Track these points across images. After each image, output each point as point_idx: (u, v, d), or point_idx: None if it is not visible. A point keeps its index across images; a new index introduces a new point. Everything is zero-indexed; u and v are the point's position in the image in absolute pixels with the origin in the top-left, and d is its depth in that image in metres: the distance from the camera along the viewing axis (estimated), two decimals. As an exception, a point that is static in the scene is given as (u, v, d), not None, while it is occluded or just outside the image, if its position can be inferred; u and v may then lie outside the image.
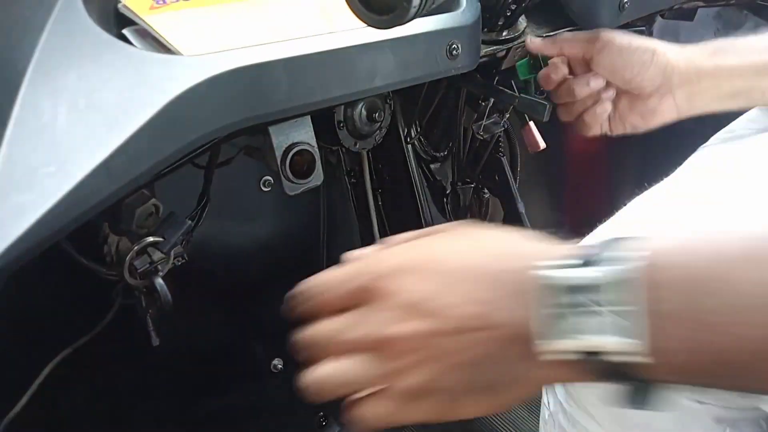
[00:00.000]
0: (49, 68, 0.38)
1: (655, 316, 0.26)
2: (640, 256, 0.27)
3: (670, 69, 0.63)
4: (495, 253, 0.32)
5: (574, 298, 0.27)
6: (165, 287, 0.47)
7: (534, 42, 0.68)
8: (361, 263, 0.35)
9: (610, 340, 0.27)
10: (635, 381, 0.28)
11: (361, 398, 0.34)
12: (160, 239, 0.46)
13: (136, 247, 0.48)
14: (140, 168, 0.38)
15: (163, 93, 0.40)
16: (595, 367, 0.28)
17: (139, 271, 0.49)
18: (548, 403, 0.56)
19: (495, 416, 0.90)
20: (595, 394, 0.48)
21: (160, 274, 0.47)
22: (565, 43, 0.67)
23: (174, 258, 0.52)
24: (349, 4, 0.31)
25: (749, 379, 0.26)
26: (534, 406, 0.90)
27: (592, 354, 0.27)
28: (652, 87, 0.63)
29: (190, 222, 0.50)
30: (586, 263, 0.28)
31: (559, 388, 0.52)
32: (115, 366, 0.45)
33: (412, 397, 0.32)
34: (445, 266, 0.32)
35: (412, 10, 0.30)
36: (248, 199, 0.82)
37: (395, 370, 0.32)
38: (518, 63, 0.70)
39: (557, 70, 0.67)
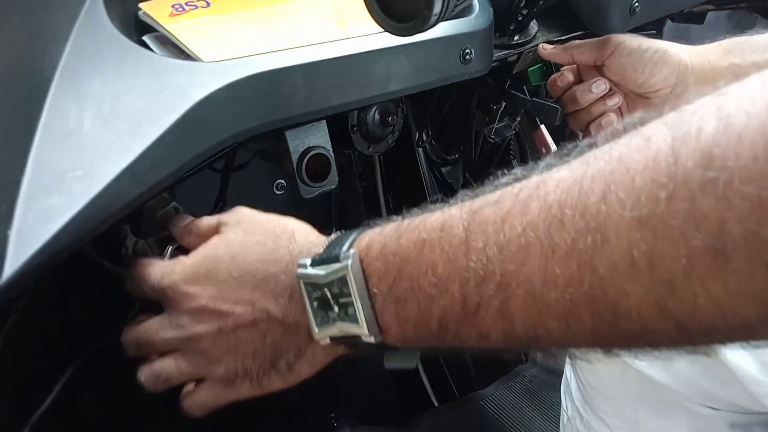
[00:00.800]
0: (75, 75, 0.39)
1: (368, 305, 0.32)
2: (352, 253, 0.33)
3: (684, 68, 0.63)
4: (263, 258, 0.38)
5: (319, 293, 0.34)
6: None
7: (546, 49, 0.68)
8: (166, 269, 0.41)
9: (347, 327, 0.33)
10: (387, 349, 0.34)
11: (188, 390, 0.41)
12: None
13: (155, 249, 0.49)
14: (164, 171, 0.39)
15: (184, 98, 0.41)
16: (352, 344, 0.34)
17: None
18: (567, 408, 0.57)
19: (508, 419, 0.90)
20: (610, 403, 0.49)
21: None
22: (576, 50, 0.68)
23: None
24: (370, 12, 0.32)
25: (461, 340, 0.30)
26: (546, 409, 0.90)
27: (346, 337, 0.34)
28: (667, 87, 0.63)
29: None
30: (318, 262, 0.34)
31: (576, 395, 0.52)
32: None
33: (225, 383, 0.39)
34: (225, 273, 0.38)
35: (433, 18, 0.31)
36: (262, 202, 0.82)
37: (203, 363, 0.39)
38: (530, 69, 0.71)
39: (563, 78, 0.67)
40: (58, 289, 0.44)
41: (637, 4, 0.76)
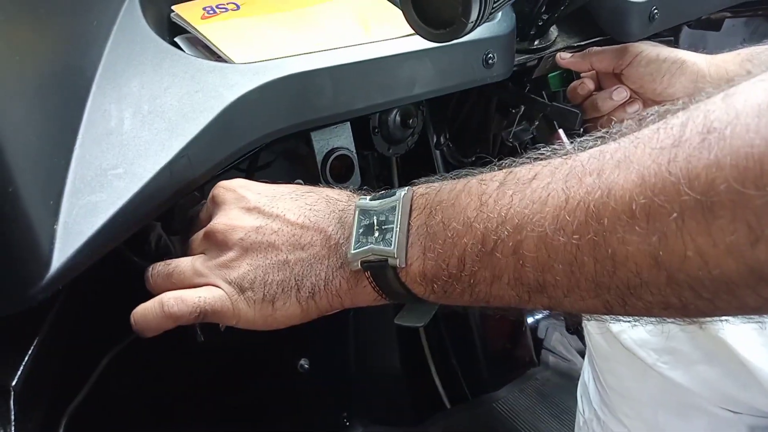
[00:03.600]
0: (115, 75, 0.40)
1: (404, 231, 0.35)
2: (407, 189, 0.36)
3: (702, 78, 0.64)
4: (324, 195, 0.41)
5: (368, 220, 0.36)
6: None
7: (565, 57, 0.69)
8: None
9: (379, 248, 0.35)
10: (404, 293, 0.36)
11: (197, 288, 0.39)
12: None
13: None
14: (199, 170, 0.40)
15: (219, 99, 0.42)
16: (376, 270, 0.36)
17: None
18: (583, 410, 0.57)
19: (520, 421, 0.91)
20: (630, 405, 0.49)
21: None
22: (595, 57, 0.68)
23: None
24: (407, 19, 0.33)
25: (475, 284, 0.33)
26: (559, 412, 0.91)
27: (374, 262, 0.35)
28: (685, 96, 0.64)
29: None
30: (376, 198, 0.37)
31: (594, 397, 0.53)
32: (160, 361, 0.47)
33: (234, 289, 0.38)
34: (287, 191, 0.41)
35: (470, 25, 0.32)
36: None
37: (222, 263, 0.38)
38: (550, 75, 0.71)
39: (583, 86, 0.68)
40: (88, 282, 0.45)
41: (656, 10, 0.77)
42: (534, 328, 1.11)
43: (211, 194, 0.42)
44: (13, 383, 0.36)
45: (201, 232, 0.41)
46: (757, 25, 1.10)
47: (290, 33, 0.52)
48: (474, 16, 0.32)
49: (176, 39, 0.52)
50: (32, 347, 0.37)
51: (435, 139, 0.85)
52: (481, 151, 0.88)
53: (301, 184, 0.83)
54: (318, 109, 0.49)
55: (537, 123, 0.81)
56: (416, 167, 0.91)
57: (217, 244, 0.39)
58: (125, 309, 0.42)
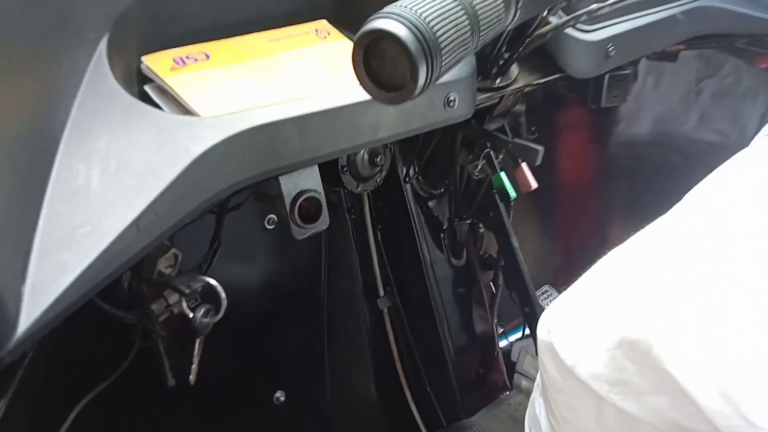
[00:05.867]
0: (83, 133, 0.41)
1: None
2: None
3: None
4: None
5: None
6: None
7: None
8: None
9: None
10: None
11: None
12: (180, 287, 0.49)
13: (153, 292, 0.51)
14: (167, 224, 0.41)
15: (186, 153, 0.43)
16: None
17: (156, 314, 0.52)
18: None
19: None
20: None
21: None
22: None
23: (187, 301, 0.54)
24: (360, 81, 0.35)
25: None
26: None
27: None
28: None
29: (206, 279, 0.53)
30: None
31: (546, 430, 0.54)
32: (132, 408, 0.47)
33: None
34: None
35: (418, 89, 0.34)
36: (253, 237, 0.85)
37: None
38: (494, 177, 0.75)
39: None
40: (57, 332, 0.46)
41: (611, 48, 0.80)
42: (507, 352, 1.13)
43: None
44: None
45: None
46: (711, 55, 1.15)
47: (258, 83, 0.53)
48: (422, 81, 0.34)
49: (145, 87, 0.53)
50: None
51: (404, 173, 0.87)
52: (449, 184, 0.90)
53: (273, 219, 0.84)
54: (284, 158, 0.50)
55: (501, 156, 0.84)
56: (387, 200, 0.93)
57: None
58: (96, 356, 0.42)
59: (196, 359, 0.54)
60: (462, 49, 0.37)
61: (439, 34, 0.34)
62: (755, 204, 0.52)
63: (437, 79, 0.36)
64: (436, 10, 0.34)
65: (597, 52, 0.79)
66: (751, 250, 0.46)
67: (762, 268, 0.44)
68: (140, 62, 0.53)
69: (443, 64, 0.35)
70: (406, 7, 0.33)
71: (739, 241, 0.48)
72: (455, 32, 0.35)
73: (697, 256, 0.47)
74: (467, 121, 0.72)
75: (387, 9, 0.34)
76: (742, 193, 0.55)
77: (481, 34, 0.38)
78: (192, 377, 0.52)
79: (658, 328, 0.42)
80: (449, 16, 0.35)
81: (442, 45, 0.34)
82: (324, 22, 0.62)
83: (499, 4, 0.40)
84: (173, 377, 0.53)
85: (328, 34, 0.61)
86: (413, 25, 0.33)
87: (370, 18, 0.34)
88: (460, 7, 0.36)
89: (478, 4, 0.37)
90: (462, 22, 0.36)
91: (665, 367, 0.41)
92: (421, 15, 0.33)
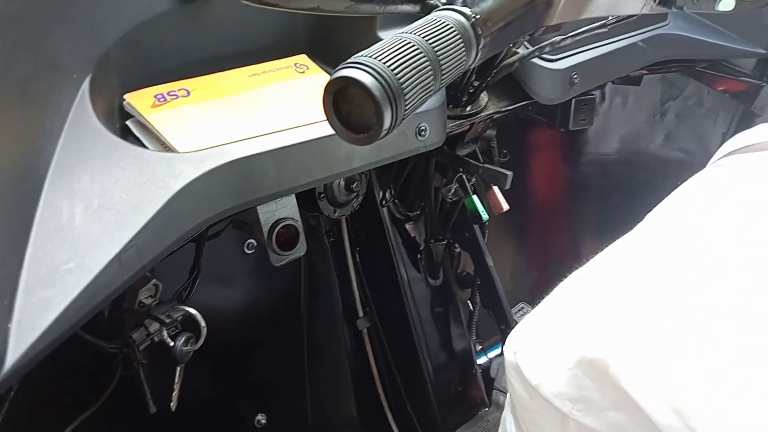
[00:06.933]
0: (66, 171, 0.43)
1: None
2: None
3: None
4: None
5: None
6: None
7: None
8: None
9: None
10: None
11: None
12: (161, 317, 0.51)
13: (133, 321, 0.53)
14: (148, 257, 0.43)
15: (166, 189, 0.45)
16: None
17: (137, 343, 0.53)
18: None
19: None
20: None
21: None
22: None
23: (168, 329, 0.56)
24: (330, 124, 0.37)
25: None
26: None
27: None
28: None
29: (186, 309, 0.55)
30: None
31: None
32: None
33: None
34: None
35: (383, 132, 0.37)
36: (232, 262, 0.87)
37: None
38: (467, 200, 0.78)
39: None
40: (42, 361, 0.47)
41: (576, 76, 0.84)
42: (485, 368, 1.15)
43: None
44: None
45: None
46: (673, 78, 1.21)
47: (237, 117, 0.56)
48: (387, 124, 0.36)
49: (127, 123, 0.55)
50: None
51: (381, 197, 0.90)
52: (425, 206, 0.93)
53: (253, 244, 0.86)
54: (262, 190, 0.52)
55: (474, 179, 0.87)
56: (365, 223, 0.95)
57: None
58: (79, 386, 0.44)
59: (176, 386, 0.56)
60: (425, 92, 0.39)
61: (402, 80, 0.37)
62: (708, 227, 0.55)
63: (402, 120, 0.38)
64: (399, 58, 0.37)
65: (562, 79, 0.83)
66: (703, 271, 0.49)
67: (712, 288, 0.47)
68: (123, 99, 0.55)
69: (407, 107, 0.38)
70: (371, 57, 0.36)
71: (691, 262, 0.51)
72: (418, 77, 0.38)
73: (652, 277, 0.50)
74: (440, 147, 0.75)
75: (354, 58, 0.36)
76: (697, 215, 0.58)
77: (443, 77, 0.41)
78: (173, 404, 0.53)
79: (614, 348, 0.45)
80: (412, 63, 0.38)
81: (406, 90, 0.37)
82: (304, 56, 0.65)
83: (460, 49, 0.43)
84: (154, 404, 0.54)
85: (307, 68, 0.64)
86: (377, 73, 0.35)
87: (339, 67, 0.36)
88: (422, 53, 0.39)
89: (440, 50, 0.40)
90: (424, 67, 0.39)
91: (621, 384, 0.44)
92: (385, 63, 0.36)
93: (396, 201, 0.93)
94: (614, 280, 0.52)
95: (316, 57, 0.66)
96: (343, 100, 0.37)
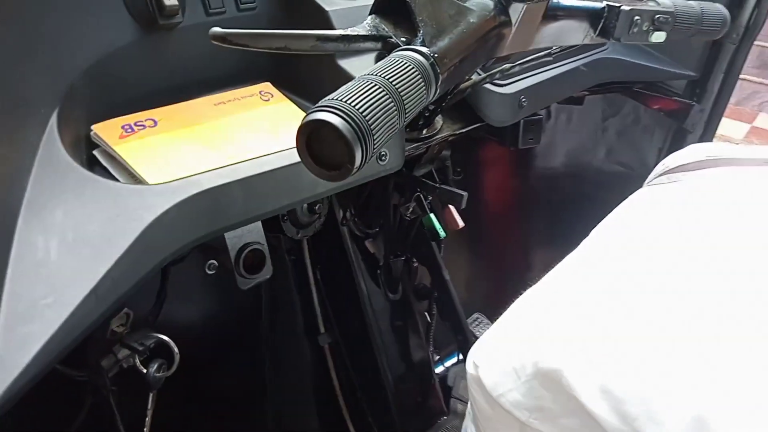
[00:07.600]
0: (39, 207, 0.44)
1: None
2: None
3: None
4: None
5: None
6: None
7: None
8: None
9: None
10: None
11: None
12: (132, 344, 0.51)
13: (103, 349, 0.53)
14: (123, 289, 0.44)
15: (138, 221, 0.47)
16: None
17: (106, 370, 0.54)
18: None
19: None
20: None
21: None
22: None
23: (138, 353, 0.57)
24: (304, 163, 0.40)
25: None
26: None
27: None
28: None
29: (158, 336, 0.55)
30: None
31: None
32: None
33: None
34: None
35: (354, 170, 0.39)
36: (195, 283, 0.88)
37: None
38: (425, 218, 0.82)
39: None
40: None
41: (524, 99, 0.90)
42: (443, 377, 1.19)
43: None
44: None
45: None
46: (613, 98, 1.29)
47: (205, 148, 0.57)
48: (358, 162, 0.39)
49: (94, 152, 0.56)
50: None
51: (341, 216, 0.92)
52: (384, 224, 0.96)
53: (214, 264, 0.87)
54: (231, 218, 0.54)
55: (430, 198, 0.91)
56: (325, 241, 0.97)
57: None
58: (50, 415, 0.44)
59: (149, 412, 0.57)
60: (391, 129, 0.42)
61: (370, 120, 0.40)
62: (648, 243, 0.61)
63: (372, 157, 0.41)
64: (367, 100, 0.40)
65: (511, 103, 0.88)
66: (645, 284, 0.54)
67: (653, 301, 0.52)
68: (90, 130, 0.55)
69: (375, 144, 0.41)
70: (341, 100, 0.39)
71: (632, 277, 0.56)
72: (384, 116, 0.41)
73: (600, 292, 0.55)
74: (398, 170, 0.79)
75: (325, 101, 0.39)
76: (637, 233, 0.64)
77: (407, 114, 0.44)
78: (146, 430, 0.54)
79: (566, 359, 0.49)
80: (378, 104, 0.41)
81: (374, 129, 0.40)
82: (268, 84, 0.67)
83: (421, 87, 0.46)
84: (126, 430, 0.55)
85: (271, 95, 0.66)
86: (347, 115, 0.38)
87: (311, 110, 0.39)
88: (386, 94, 0.42)
89: (403, 89, 0.44)
90: (389, 107, 0.42)
91: (573, 393, 0.48)
92: (354, 105, 0.39)
93: (356, 219, 0.96)
94: (566, 295, 0.56)
95: (279, 84, 0.69)
96: (315, 141, 0.39)
